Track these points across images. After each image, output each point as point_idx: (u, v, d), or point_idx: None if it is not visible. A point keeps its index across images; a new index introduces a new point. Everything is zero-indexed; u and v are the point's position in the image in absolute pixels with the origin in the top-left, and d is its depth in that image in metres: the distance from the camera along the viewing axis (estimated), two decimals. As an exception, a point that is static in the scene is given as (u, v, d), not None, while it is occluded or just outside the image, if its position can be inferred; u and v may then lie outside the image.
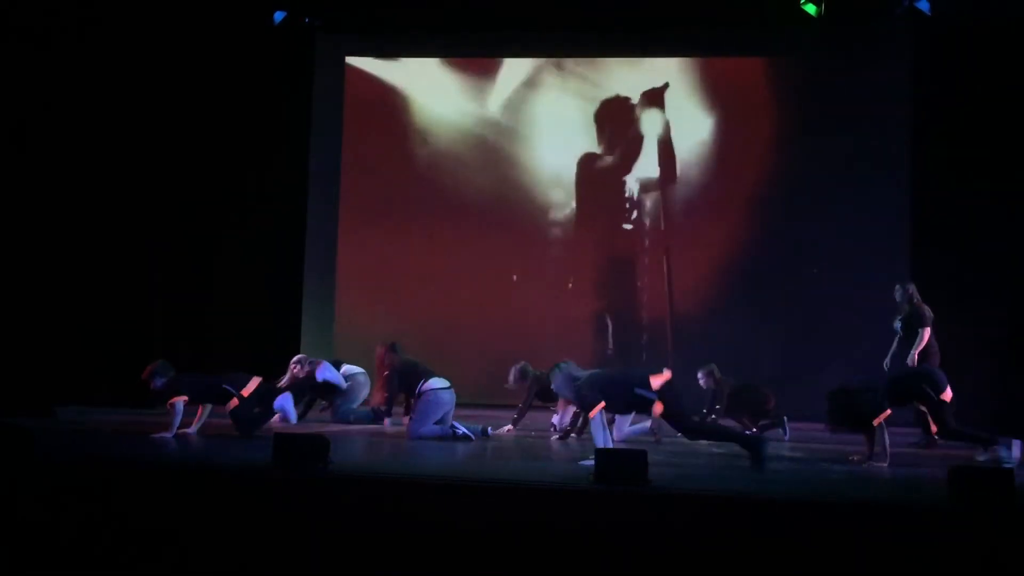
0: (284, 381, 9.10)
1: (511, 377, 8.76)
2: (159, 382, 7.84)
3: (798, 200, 12.37)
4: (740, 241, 12.50)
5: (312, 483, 5.35)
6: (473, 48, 13.04)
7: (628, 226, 12.79)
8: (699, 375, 9.16)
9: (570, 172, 12.84)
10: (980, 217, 10.73)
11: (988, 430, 7.61)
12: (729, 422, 9.10)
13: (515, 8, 11.87)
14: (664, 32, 12.53)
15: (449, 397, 8.24)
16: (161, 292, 11.24)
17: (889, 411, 7.21)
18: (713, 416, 8.98)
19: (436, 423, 8.14)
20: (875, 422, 7.19)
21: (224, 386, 7.85)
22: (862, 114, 12.24)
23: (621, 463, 5.35)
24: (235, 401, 7.81)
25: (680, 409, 6.92)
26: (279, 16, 11.95)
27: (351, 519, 5.17)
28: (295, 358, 9.45)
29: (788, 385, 11.32)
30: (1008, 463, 6.93)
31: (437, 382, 8.25)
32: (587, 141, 12.87)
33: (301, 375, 9.13)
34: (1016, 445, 7.34)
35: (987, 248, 10.70)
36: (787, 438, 8.87)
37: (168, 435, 7.56)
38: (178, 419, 7.67)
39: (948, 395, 7.36)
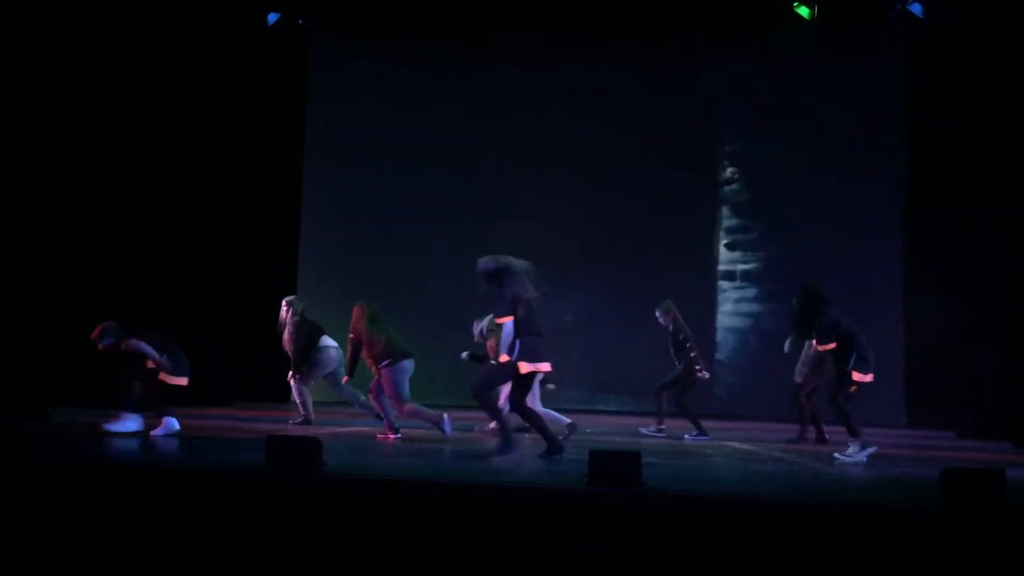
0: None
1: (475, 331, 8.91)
2: (107, 342, 7.82)
3: (789, 202, 12.42)
4: (728, 241, 12.56)
5: (305, 484, 5.34)
6: (468, 49, 13.08)
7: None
8: (657, 313, 9.43)
9: (545, 163, 12.87)
10: (974, 217, 10.77)
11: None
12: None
13: (512, 11, 11.90)
14: (657, 35, 12.57)
15: (409, 366, 8.21)
16: (159, 293, 11.21)
17: (833, 344, 7.51)
18: (690, 350, 9.21)
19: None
20: (821, 347, 7.58)
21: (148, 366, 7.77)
22: (856, 115, 12.30)
23: (615, 464, 5.35)
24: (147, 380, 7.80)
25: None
26: (273, 18, 11.97)
27: (344, 520, 5.16)
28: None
29: (772, 386, 11.39)
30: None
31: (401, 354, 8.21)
32: (565, 133, 12.87)
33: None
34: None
35: (981, 247, 10.75)
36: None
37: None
38: (151, 352, 7.74)
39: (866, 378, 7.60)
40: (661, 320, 9.42)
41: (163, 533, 5.20)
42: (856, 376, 7.53)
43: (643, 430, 9.33)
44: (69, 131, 10.77)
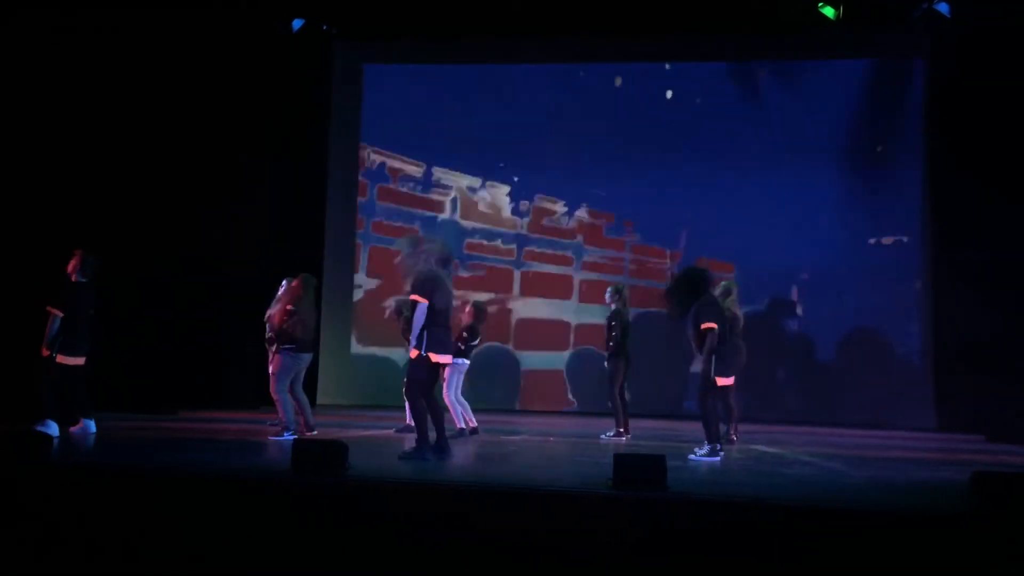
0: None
1: None
2: (80, 277, 7.88)
3: (810, 203, 12.35)
4: (738, 244, 12.55)
5: (331, 489, 5.35)
6: (489, 55, 13.16)
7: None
8: (608, 291, 9.44)
9: (556, 170, 13.03)
10: (1002, 215, 10.66)
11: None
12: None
13: (530, 15, 11.92)
14: (680, 37, 12.55)
15: (307, 360, 8.34)
16: (174, 296, 11.30)
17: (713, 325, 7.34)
18: (612, 340, 9.17)
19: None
20: (704, 327, 7.35)
21: (52, 329, 7.75)
22: (880, 116, 12.24)
23: (640, 468, 5.33)
24: (44, 351, 7.80)
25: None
26: (297, 24, 12.14)
27: (369, 525, 5.17)
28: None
29: (797, 389, 11.30)
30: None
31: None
32: (582, 142, 12.94)
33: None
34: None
35: (1009, 247, 10.63)
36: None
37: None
38: (53, 331, 7.74)
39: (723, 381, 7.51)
40: (608, 299, 9.40)
41: (188, 537, 5.23)
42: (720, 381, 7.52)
43: (602, 436, 9.21)
44: (82, 131, 10.93)
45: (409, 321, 6.85)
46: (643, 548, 4.88)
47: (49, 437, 5.93)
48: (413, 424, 8.34)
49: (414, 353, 6.76)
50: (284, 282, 9.48)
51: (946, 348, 11.44)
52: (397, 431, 8.89)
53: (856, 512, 5.02)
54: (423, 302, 6.69)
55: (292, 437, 7.83)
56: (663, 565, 4.83)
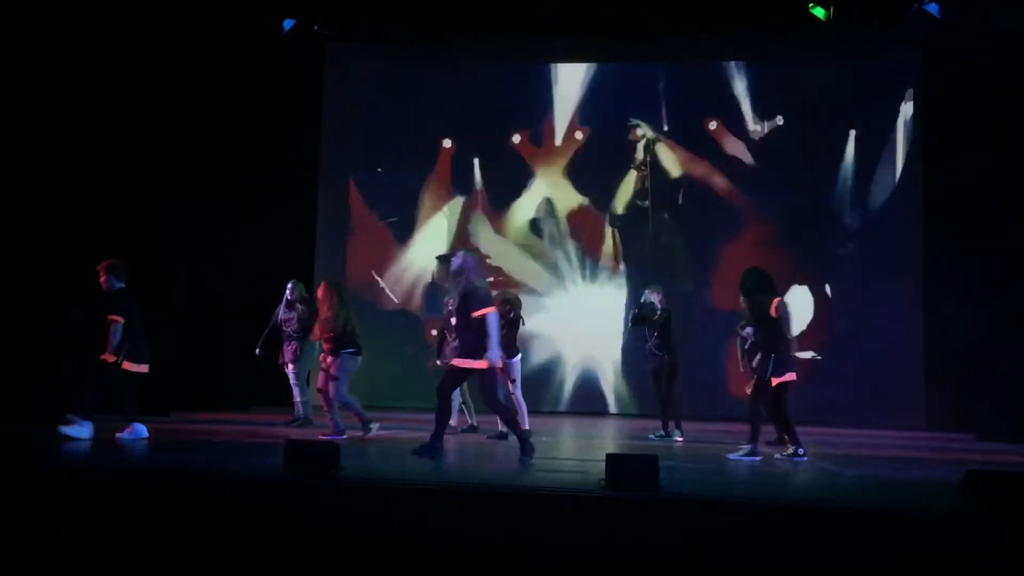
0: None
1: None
2: (116, 284, 7.84)
3: (807, 206, 12.37)
4: (743, 244, 12.55)
5: (324, 490, 5.35)
6: (482, 55, 13.16)
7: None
8: (654, 297, 9.23)
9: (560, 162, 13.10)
10: (994, 216, 10.69)
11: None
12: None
13: (522, 15, 11.93)
14: (671, 38, 12.57)
15: (360, 362, 8.39)
16: (165, 297, 11.26)
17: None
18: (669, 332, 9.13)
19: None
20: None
21: (116, 337, 7.70)
22: (872, 118, 12.26)
23: (632, 468, 5.33)
24: (109, 357, 7.72)
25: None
26: (288, 24, 12.11)
27: (362, 526, 5.17)
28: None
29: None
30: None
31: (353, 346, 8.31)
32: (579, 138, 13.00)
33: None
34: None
35: (1001, 248, 10.66)
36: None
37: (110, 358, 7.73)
38: (117, 338, 7.70)
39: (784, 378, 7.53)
40: (656, 301, 9.19)
41: (181, 538, 5.22)
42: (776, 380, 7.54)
43: (651, 436, 9.25)
44: (78, 135, 10.90)
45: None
46: (635, 548, 4.88)
47: (44, 441, 5.90)
48: (504, 428, 8.43)
49: (498, 363, 6.85)
50: (290, 284, 9.56)
51: (936, 347, 11.47)
52: (489, 438, 8.75)
53: (849, 511, 5.03)
54: (493, 312, 6.84)
55: (343, 438, 7.92)
56: (655, 565, 4.83)
